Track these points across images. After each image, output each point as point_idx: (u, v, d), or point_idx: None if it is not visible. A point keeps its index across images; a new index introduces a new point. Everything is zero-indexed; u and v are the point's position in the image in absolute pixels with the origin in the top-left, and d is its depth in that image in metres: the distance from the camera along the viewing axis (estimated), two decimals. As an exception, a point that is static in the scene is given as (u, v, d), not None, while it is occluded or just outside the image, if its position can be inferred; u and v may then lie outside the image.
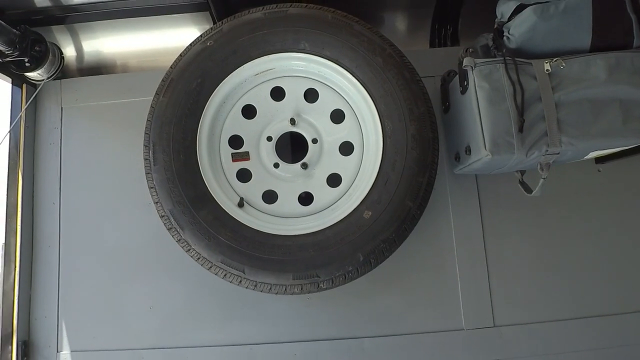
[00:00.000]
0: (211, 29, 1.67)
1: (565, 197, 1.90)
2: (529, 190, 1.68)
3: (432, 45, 2.13)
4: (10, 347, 1.83)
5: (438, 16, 2.08)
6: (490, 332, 1.80)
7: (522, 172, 1.75)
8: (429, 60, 1.95)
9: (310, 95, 1.74)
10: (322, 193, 1.68)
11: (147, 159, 1.60)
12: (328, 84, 1.71)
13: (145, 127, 1.62)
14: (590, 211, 1.89)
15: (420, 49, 2.14)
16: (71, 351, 1.86)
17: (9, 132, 1.91)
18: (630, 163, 1.87)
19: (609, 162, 1.89)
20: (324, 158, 1.71)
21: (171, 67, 1.65)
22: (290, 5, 1.65)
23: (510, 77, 1.53)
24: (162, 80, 1.64)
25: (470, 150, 1.62)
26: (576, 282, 1.84)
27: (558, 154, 1.54)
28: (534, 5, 1.56)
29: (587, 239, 1.87)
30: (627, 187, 1.92)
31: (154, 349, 1.83)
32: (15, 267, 1.87)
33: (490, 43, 1.69)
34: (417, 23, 2.15)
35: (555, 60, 1.56)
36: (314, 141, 1.71)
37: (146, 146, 1.61)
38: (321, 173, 1.70)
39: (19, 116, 1.94)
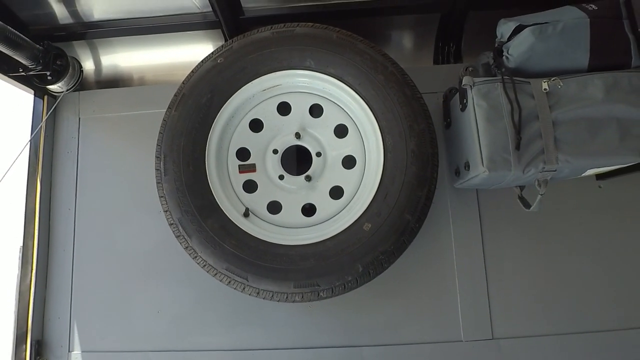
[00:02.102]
0: (222, 46, 1.75)
1: (565, 212, 1.93)
2: (527, 205, 1.72)
3: (435, 62, 2.19)
4: (24, 345, 1.92)
5: (441, 34, 2.14)
6: (489, 344, 1.82)
7: (522, 188, 1.78)
8: (433, 77, 2.01)
9: (315, 111, 1.81)
10: (325, 205, 1.74)
11: (158, 170, 1.68)
12: (332, 100, 1.78)
13: (157, 139, 1.71)
14: (591, 227, 1.92)
15: (425, 65, 2.19)
16: (82, 351, 1.93)
17: (30, 140, 2.02)
18: (630, 180, 1.89)
19: (609, 179, 1.91)
20: (327, 171, 1.77)
21: (183, 83, 1.74)
22: (297, 25, 1.73)
23: (508, 96, 1.58)
24: (175, 95, 1.73)
25: (469, 166, 1.67)
26: (575, 297, 1.86)
27: (555, 171, 1.58)
28: (532, 26, 1.61)
29: (586, 254, 1.89)
30: (628, 203, 1.93)
31: (160, 351, 1.89)
32: (31, 269, 1.97)
33: (491, 61, 1.74)
34: (422, 41, 2.21)
35: (553, 80, 1.60)
36: (318, 154, 1.78)
37: (157, 157, 1.69)
38: (324, 185, 1.76)
39: (39, 126, 2.04)
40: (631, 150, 1.57)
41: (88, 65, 2.26)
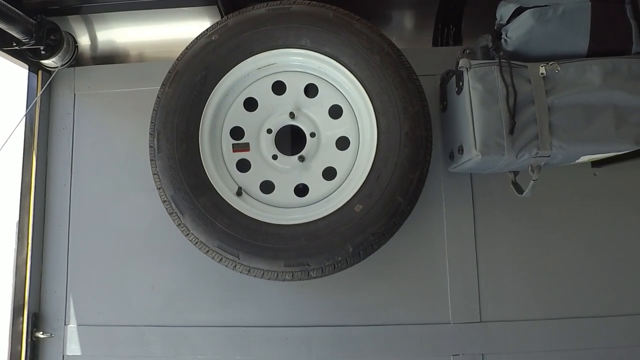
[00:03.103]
0: (217, 23, 1.73)
1: (559, 199, 1.93)
2: (520, 190, 1.72)
3: (435, 44, 2.16)
4: (21, 318, 1.96)
5: (441, 15, 2.10)
6: (477, 327, 1.85)
7: (515, 173, 1.78)
8: (431, 58, 1.99)
9: (310, 90, 1.80)
10: (318, 185, 1.74)
11: (151, 147, 1.68)
12: (328, 79, 1.76)
13: (151, 116, 1.70)
14: (584, 214, 1.92)
15: (424, 47, 2.17)
16: (78, 325, 1.97)
17: (25, 116, 2.02)
18: (626, 168, 1.88)
19: (605, 166, 1.90)
20: (321, 152, 1.77)
21: (177, 60, 1.72)
22: (294, 3, 1.70)
23: (504, 80, 1.56)
24: (169, 72, 1.71)
25: (462, 150, 1.66)
26: (564, 282, 1.88)
27: (548, 156, 1.57)
28: (532, 9, 1.59)
29: (578, 241, 1.90)
30: (622, 191, 1.93)
31: (154, 326, 1.93)
32: (27, 244, 1.99)
33: (490, 44, 1.71)
34: (422, 22, 2.18)
35: (551, 64, 1.58)
36: (312, 135, 1.77)
37: (151, 134, 1.69)
38: (317, 166, 1.76)
39: (34, 101, 2.04)
40: (626, 138, 1.56)
41: (84, 40, 2.24)
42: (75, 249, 2.02)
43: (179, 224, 1.64)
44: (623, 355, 1.84)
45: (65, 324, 1.97)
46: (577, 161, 1.71)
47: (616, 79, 1.57)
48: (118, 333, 1.94)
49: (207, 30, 1.73)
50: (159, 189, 1.66)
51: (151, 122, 1.70)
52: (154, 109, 1.70)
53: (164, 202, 1.66)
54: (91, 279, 2.00)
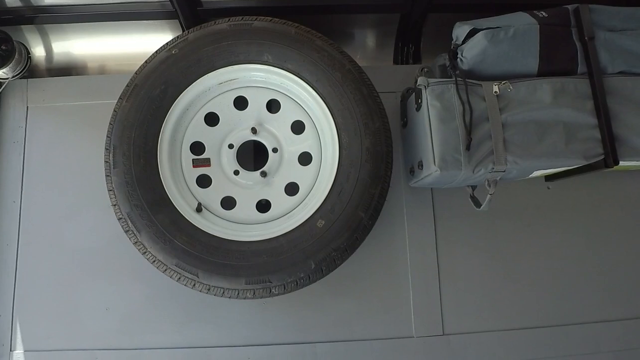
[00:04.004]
0: (177, 37, 1.71)
1: (515, 212, 1.99)
2: (478, 204, 1.76)
3: (395, 62, 2.22)
4: (-38, 345, 1.82)
5: (401, 34, 2.16)
6: (439, 340, 1.86)
7: (474, 187, 1.83)
8: (392, 76, 2.04)
9: (273, 106, 1.80)
10: (280, 201, 1.73)
11: (107, 162, 1.63)
12: (290, 95, 1.77)
13: (107, 130, 1.65)
14: (539, 226, 1.99)
15: (385, 65, 2.22)
16: (25, 351, 1.85)
17: (-28, 129, 1.91)
18: (578, 181, 1.96)
19: (558, 180, 1.98)
20: (284, 167, 1.76)
21: (136, 73, 1.69)
22: (256, 19, 1.71)
23: (460, 97, 1.61)
24: (127, 86, 1.67)
25: (422, 165, 1.69)
26: (523, 294, 1.93)
27: (504, 171, 1.63)
28: (485, 30, 1.65)
29: (534, 252, 1.96)
30: (575, 204, 2.02)
31: (109, 349, 1.84)
32: (-29, 264, 1.87)
33: (447, 63, 1.77)
34: (383, 40, 2.23)
35: (504, 83, 1.65)
36: (275, 150, 1.76)
37: (107, 149, 1.63)
38: (280, 182, 1.75)
39: (-18, 114, 1.94)
40: (576, 153, 1.64)
41: (38, 51, 2.16)
42: (24, 270, 1.90)
43: (136, 242, 1.59)
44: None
45: (11, 350, 1.85)
46: (531, 175, 1.77)
47: (565, 98, 1.66)
48: (69, 358, 1.83)
49: (167, 44, 1.71)
50: (115, 205, 1.61)
51: (107, 136, 1.65)
52: (110, 123, 1.66)
53: (119, 219, 1.60)
54: (41, 301, 1.88)
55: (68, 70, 2.22)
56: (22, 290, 1.89)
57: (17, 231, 1.93)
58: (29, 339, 1.87)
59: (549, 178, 1.98)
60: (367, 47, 2.30)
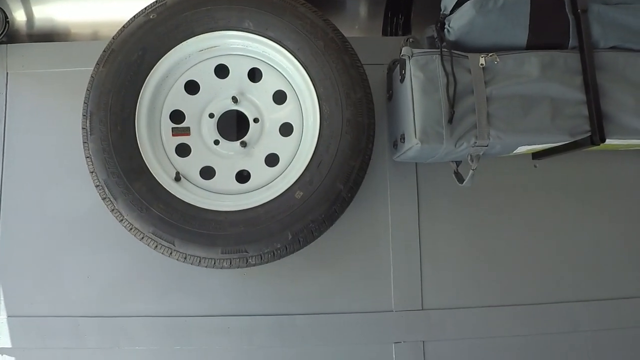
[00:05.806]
0: (155, 1, 1.66)
1: (500, 189, 1.97)
2: (461, 180, 1.74)
3: (384, 33, 2.16)
4: (-54, 309, 1.84)
5: (391, 5, 2.10)
6: (418, 314, 1.87)
7: (458, 163, 1.81)
8: (380, 48, 1.98)
9: (255, 75, 1.76)
10: (260, 172, 1.71)
11: (84, 128, 1.60)
12: (272, 64, 1.73)
13: (85, 97, 1.63)
14: (524, 204, 1.97)
15: (373, 36, 2.16)
16: (8, 316, 1.87)
17: (-49, 94, 1.88)
18: (565, 161, 1.93)
19: (545, 158, 1.95)
20: (264, 138, 1.73)
21: (113, 38, 1.65)
22: (237, -17, 1.65)
23: (444, 69, 1.57)
24: (103, 51, 1.64)
25: (404, 138, 1.66)
26: (503, 271, 1.92)
27: (486, 146, 1.60)
28: (473, 0, 1.60)
29: (517, 230, 1.94)
30: (561, 183, 1.99)
31: (90, 317, 1.85)
32: (-47, 230, 1.87)
33: (435, 34, 1.72)
34: (373, 10, 2.17)
35: (491, 55, 1.60)
36: (256, 120, 1.73)
37: (84, 115, 1.61)
38: (260, 152, 1.73)
39: (-40, 79, 1.91)
40: (561, 130, 1.60)
41: (19, 16, 2.11)
42: (6, 237, 1.90)
43: (113, 210, 1.58)
44: (559, 340, 1.91)
45: (-6, 316, 1.87)
46: (515, 152, 1.75)
47: (553, 72, 1.61)
48: (51, 324, 1.85)
49: (145, 8, 1.66)
50: (92, 172, 1.59)
51: (84, 102, 1.62)
52: (87, 89, 1.63)
53: (96, 186, 1.59)
54: (23, 268, 1.89)
55: (50, 36, 2.17)
56: (4, 258, 1.89)
57: (-1, 198, 1.92)
58: (12, 305, 1.88)
59: (535, 156, 1.95)
60: (358, 17, 2.24)
